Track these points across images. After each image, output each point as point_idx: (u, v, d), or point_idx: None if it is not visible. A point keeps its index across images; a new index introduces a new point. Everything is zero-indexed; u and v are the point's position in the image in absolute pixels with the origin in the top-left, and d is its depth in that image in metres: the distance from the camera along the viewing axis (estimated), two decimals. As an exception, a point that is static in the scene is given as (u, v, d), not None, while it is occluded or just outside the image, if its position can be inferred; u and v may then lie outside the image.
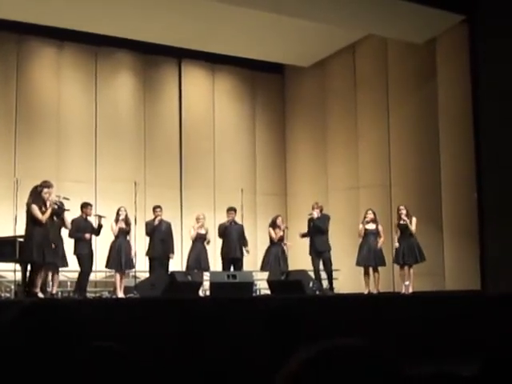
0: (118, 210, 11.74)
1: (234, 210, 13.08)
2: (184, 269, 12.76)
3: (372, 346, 1.10)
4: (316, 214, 12.45)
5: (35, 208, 9.83)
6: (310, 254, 12.48)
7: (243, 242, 12.88)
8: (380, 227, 12.26)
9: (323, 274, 12.59)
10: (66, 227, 10.95)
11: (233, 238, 12.78)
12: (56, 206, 10.33)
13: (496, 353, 1.85)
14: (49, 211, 9.96)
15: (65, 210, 10.72)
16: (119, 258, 11.59)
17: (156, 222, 12.37)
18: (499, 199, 12.38)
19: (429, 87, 13.97)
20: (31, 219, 9.88)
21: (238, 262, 12.77)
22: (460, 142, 13.36)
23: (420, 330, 9.15)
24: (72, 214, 11.32)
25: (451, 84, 13.59)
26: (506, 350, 1.86)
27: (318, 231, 12.38)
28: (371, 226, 12.21)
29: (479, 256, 12.74)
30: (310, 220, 12.49)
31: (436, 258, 13.21)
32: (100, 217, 11.51)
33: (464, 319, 9.56)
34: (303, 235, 12.61)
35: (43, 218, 9.86)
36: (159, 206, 12.55)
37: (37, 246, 9.74)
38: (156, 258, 12.32)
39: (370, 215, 12.23)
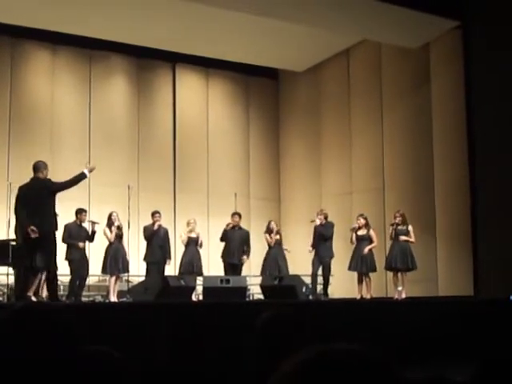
0: (111, 215, 11.71)
1: (239, 215, 13.05)
2: (177, 273, 12.74)
3: (368, 349, 1.09)
4: (319, 220, 12.43)
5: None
6: (313, 259, 12.46)
7: (244, 249, 12.82)
8: (372, 232, 12.15)
9: (320, 279, 12.56)
10: None
11: (234, 244, 12.75)
12: None
13: (489, 358, 1.84)
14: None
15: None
16: (117, 262, 11.57)
17: (155, 227, 12.33)
18: (492, 205, 12.40)
19: (423, 92, 13.99)
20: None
21: (236, 268, 12.75)
22: (454, 146, 13.37)
23: (413, 335, 9.14)
24: (66, 219, 11.26)
25: (445, 89, 13.62)
26: (499, 355, 1.86)
27: (321, 238, 12.38)
28: (363, 232, 12.12)
29: (472, 262, 12.75)
30: (315, 227, 12.49)
31: (429, 264, 13.20)
32: (93, 223, 11.47)
33: (457, 325, 9.56)
34: (311, 245, 12.53)
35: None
36: (158, 212, 12.47)
37: (31, 250, 9.65)
38: (154, 263, 12.29)
39: (360, 221, 12.16)
